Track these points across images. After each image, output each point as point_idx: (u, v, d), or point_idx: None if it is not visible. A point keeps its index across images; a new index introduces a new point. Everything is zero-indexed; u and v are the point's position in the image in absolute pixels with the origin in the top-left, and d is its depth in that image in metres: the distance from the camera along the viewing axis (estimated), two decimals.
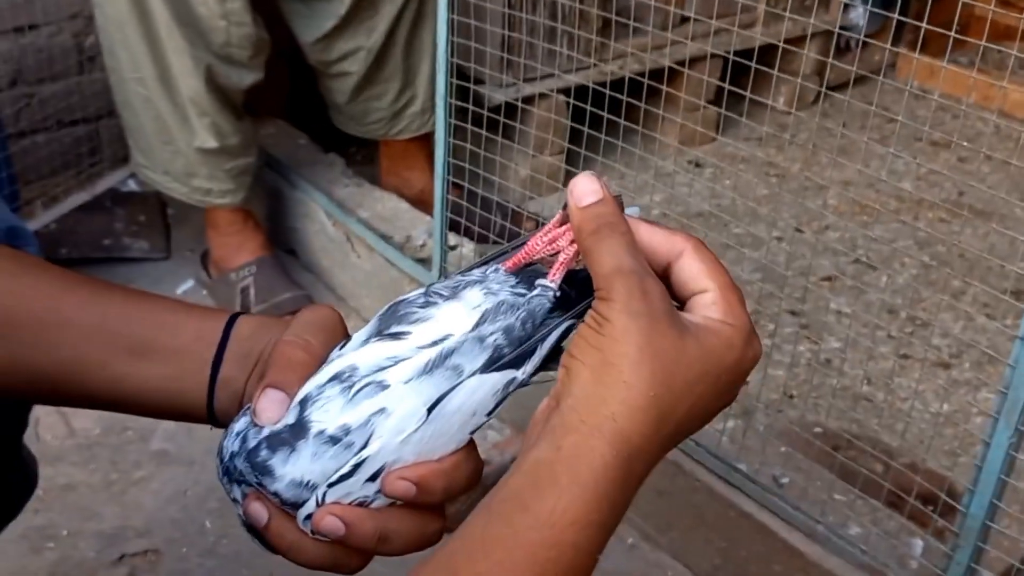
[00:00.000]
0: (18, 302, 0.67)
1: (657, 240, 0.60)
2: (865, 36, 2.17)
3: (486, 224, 1.91)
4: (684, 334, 0.56)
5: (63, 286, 0.69)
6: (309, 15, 1.96)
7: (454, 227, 1.84)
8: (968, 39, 1.42)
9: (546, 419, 0.56)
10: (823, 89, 1.30)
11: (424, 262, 1.84)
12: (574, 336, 0.58)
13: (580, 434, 0.54)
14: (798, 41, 2.40)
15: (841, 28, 2.48)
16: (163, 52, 1.79)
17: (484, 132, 1.68)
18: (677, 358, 0.55)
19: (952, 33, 1.12)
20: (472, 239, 1.90)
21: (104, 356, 0.67)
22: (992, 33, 1.27)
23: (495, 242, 1.94)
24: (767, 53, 1.66)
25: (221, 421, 0.67)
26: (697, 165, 2.45)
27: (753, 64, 1.41)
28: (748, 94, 1.40)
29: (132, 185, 2.31)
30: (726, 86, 1.46)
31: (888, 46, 1.25)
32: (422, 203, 2.08)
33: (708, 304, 0.59)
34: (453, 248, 1.84)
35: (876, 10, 2.45)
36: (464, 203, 1.92)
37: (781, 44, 1.40)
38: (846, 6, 2.62)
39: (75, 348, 0.67)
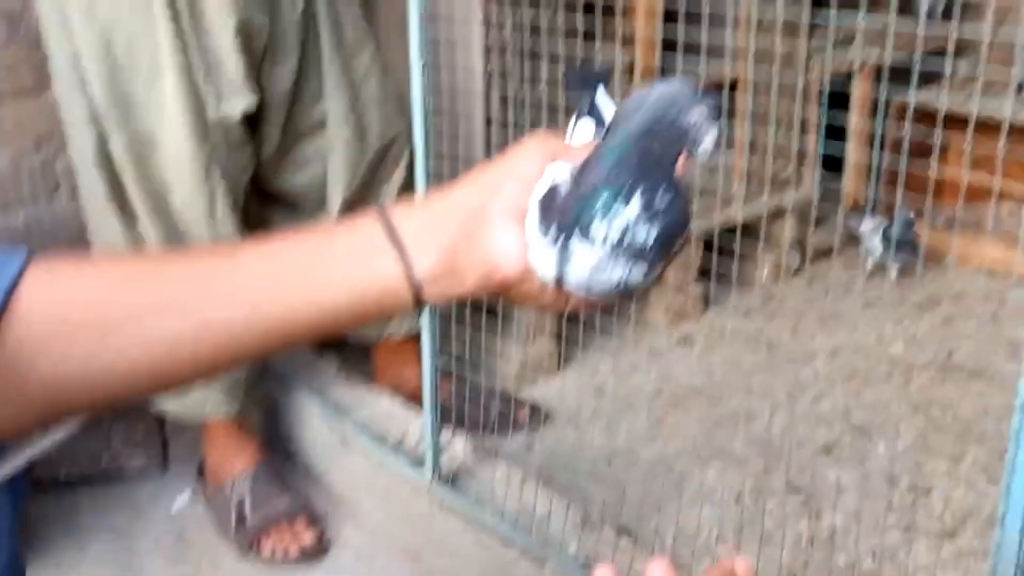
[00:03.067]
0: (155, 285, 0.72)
1: None
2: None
3: (478, 414, 1.93)
4: None
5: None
6: (298, 224, 2.02)
7: (449, 419, 1.84)
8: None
9: None
10: (794, 266, 1.33)
11: (420, 461, 1.84)
12: None
13: None
14: (775, 217, 2.47)
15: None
16: None
17: (469, 324, 1.72)
18: None
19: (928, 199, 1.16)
20: (470, 428, 1.93)
21: (282, 293, 0.71)
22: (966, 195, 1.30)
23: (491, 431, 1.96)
24: (749, 227, 1.70)
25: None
26: (686, 341, 2.46)
27: (737, 245, 1.46)
28: (725, 272, 1.43)
29: None
30: (712, 266, 1.50)
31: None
32: (418, 399, 2.09)
33: None
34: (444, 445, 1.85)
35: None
36: (453, 397, 1.94)
37: (765, 219, 1.44)
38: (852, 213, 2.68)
39: (247, 300, 0.71)
